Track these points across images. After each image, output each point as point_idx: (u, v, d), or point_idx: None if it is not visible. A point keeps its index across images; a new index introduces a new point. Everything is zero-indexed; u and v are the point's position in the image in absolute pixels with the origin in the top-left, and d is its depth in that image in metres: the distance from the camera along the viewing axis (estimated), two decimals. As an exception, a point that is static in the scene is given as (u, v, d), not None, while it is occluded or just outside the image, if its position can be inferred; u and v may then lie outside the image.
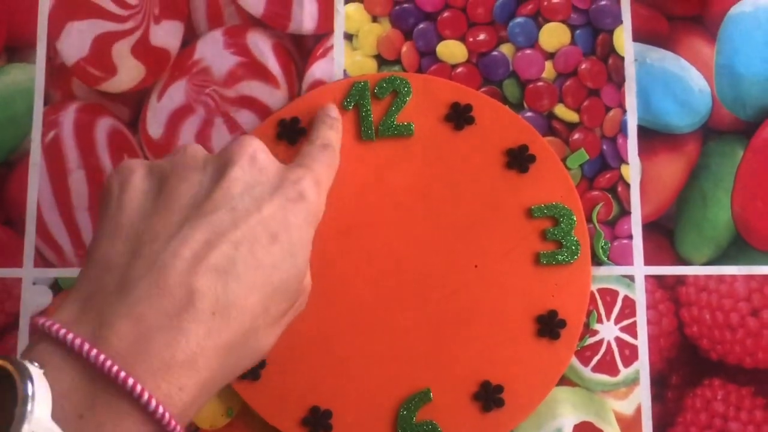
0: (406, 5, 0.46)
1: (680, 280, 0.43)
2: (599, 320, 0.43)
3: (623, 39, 0.45)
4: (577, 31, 0.45)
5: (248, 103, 0.45)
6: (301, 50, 0.46)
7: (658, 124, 0.45)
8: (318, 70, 0.45)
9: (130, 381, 0.27)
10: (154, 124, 0.45)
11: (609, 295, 0.43)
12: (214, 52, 0.46)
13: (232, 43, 0.46)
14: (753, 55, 0.45)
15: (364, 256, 0.43)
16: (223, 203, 0.32)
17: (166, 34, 0.46)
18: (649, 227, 0.44)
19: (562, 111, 0.45)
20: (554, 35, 0.45)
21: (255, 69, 0.45)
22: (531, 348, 0.42)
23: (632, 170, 0.44)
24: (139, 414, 0.27)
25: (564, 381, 0.42)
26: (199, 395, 0.29)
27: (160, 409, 0.27)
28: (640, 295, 0.43)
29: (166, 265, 0.29)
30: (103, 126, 0.46)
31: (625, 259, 0.43)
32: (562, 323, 0.42)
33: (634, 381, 0.43)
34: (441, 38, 0.45)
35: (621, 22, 0.45)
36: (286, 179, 0.34)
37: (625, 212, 0.44)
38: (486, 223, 0.43)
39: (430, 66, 0.45)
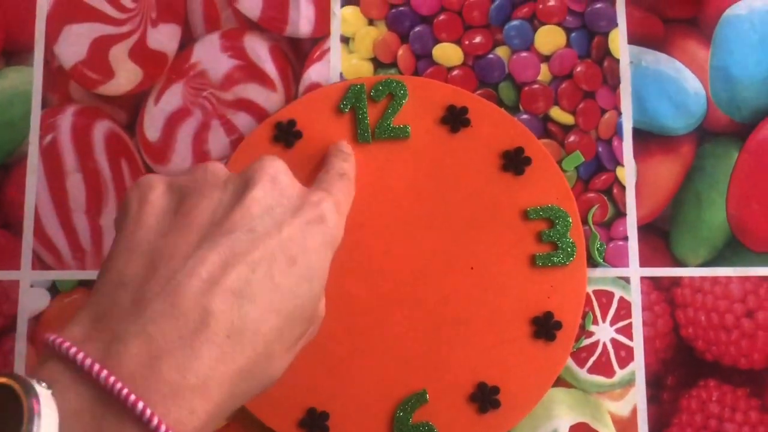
0: (402, 8, 0.46)
1: (675, 281, 0.43)
2: (595, 322, 0.43)
3: (618, 41, 0.45)
4: (573, 34, 0.45)
5: (245, 105, 0.45)
6: (297, 53, 0.46)
7: (653, 126, 0.45)
8: (314, 73, 0.46)
9: (140, 405, 0.26)
10: (152, 127, 0.46)
11: (604, 297, 0.43)
12: (211, 56, 0.46)
13: (229, 47, 0.46)
14: (748, 57, 0.45)
15: (361, 258, 0.43)
16: (242, 224, 0.31)
17: (164, 38, 0.46)
18: (644, 229, 0.44)
19: (557, 113, 0.45)
20: (550, 38, 0.45)
21: (252, 72, 0.46)
22: (527, 349, 0.42)
23: (627, 172, 0.44)
24: None
25: (560, 382, 0.42)
26: (210, 420, 0.28)
27: None
28: (635, 297, 0.43)
29: (181, 284, 0.29)
30: (101, 129, 0.46)
31: (621, 260, 0.44)
32: (558, 325, 0.42)
33: (629, 382, 0.43)
34: (437, 41, 0.46)
35: (616, 24, 0.45)
36: (306, 201, 0.33)
37: (620, 214, 0.44)
38: (482, 225, 0.43)
39: (426, 69, 0.45)
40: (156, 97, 0.46)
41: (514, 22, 0.46)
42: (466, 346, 0.42)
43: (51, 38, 0.47)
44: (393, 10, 0.46)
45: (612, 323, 0.43)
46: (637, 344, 0.43)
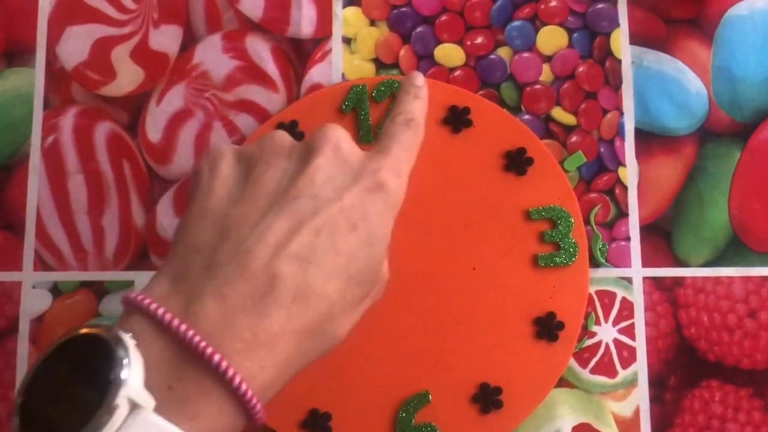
0: (404, 9, 0.46)
1: (678, 281, 0.43)
2: (597, 322, 0.43)
3: (620, 42, 0.45)
4: (575, 34, 0.45)
5: (247, 106, 0.45)
6: (299, 54, 0.46)
7: (655, 126, 0.45)
8: (316, 73, 0.46)
9: (217, 357, 0.28)
10: (153, 128, 0.46)
11: (607, 297, 0.43)
12: (212, 56, 0.46)
13: (231, 47, 0.46)
14: (749, 57, 0.45)
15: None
16: (306, 191, 0.32)
17: (165, 39, 0.46)
18: (646, 229, 0.44)
19: (559, 114, 0.45)
20: (551, 38, 0.45)
21: (254, 73, 0.46)
22: (529, 350, 0.42)
23: (630, 172, 0.44)
24: (223, 390, 0.29)
25: (562, 383, 0.42)
26: (278, 376, 0.30)
27: (243, 386, 0.29)
28: (638, 297, 0.43)
29: (250, 250, 0.31)
30: (103, 130, 0.46)
31: (623, 261, 0.44)
32: (561, 325, 0.42)
33: (632, 382, 0.43)
34: (439, 42, 0.46)
35: (618, 25, 0.45)
36: (366, 168, 0.34)
37: (622, 214, 0.44)
38: (484, 226, 0.43)
39: (428, 69, 0.45)
40: (158, 98, 0.46)
41: (516, 23, 0.46)
42: (468, 347, 0.42)
43: (53, 39, 0.47)
44: (395, 11, 0.46)
45: (614, 323, 0.43)
46: (640, 344, 0.43)
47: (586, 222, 0.44)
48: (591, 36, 0.45)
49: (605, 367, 0.43)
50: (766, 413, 0.42)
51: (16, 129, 0.46)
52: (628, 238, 0.44)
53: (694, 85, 0.45)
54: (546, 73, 0.45)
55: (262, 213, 0.32)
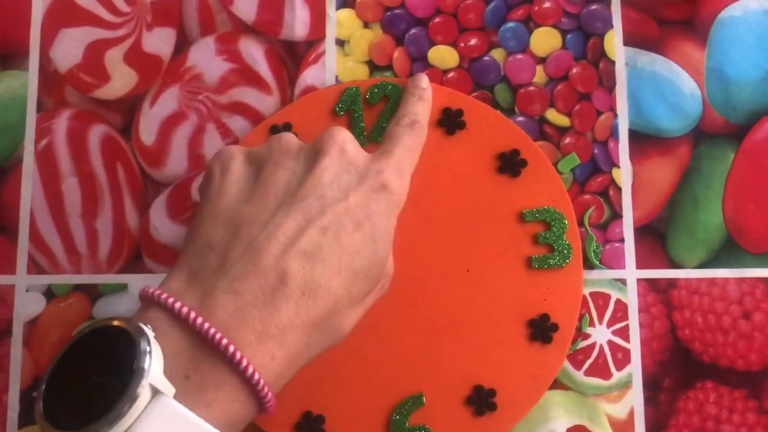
0: (397, 11, 0.46)
1: (672, 283, 0.43)
2: (591, 324, 0.43)
3: (614, 43, 0.45)
4: (568, 36, 0.45)
5: (240, 109, 0.45)
6: (293, 56, 0.46)
7: (649, 127, 0.45)
8: (310, 76, 0.46)
9: (231, 348, 0.30)
10: (147, 130, 0.46)
11: (601, 299, 0.43)
12: (206, 59, 0.46)
13: (225, 50, 0.46)
14: (743, 58, 0.45)
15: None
16: (313, 191, 0.34)
17: (159, 41, 0.46)
18: (640, 231, 0.44)
19: (553, 115, 0.45)
20: (545, 40, 0.45)
21: (247, 75, 0.46)
22: (523, 352, 0.42)
23: (624, 174, 0.44)
24: (237, 379, 0.30)
25: (556, 385, 0.42)
26: (287, 367, 0.32)
27: (256, 376, 0.30)
28: (632, 299, 0.43)
29: (261, 248, 0.32)
30: (96, 133, 0.46)
31: (617, 262, 0.44)
32: (555, 327, 0.42)
33: (626, 384, 0.43)
34: (432, 44, 0.46)
35: (611, 26, 0.45)
36: (370, 169, 0.36)
37: (616, 216, 0.44)
38: (478, 228, 0.43)
39: (422, 71, 0.45)
40: (151, 101, 0.46)
41: (510, 24, 0.46)
42: (462, 349, 0.42)
43: (46, 42, 0.47)
44: (388, 13, 0.46)
45: (608, 325, 0.43)
46: (634, 346, 0.43)
47: (580, 224, 0.44)
48: (585, 37, 0.45)
49: (599, 369, 0.43)
50: (760, 414, 0.42)
51: (10, 132, 0.46)
52: (622, 240, 0.44)
53: (687, 86, 0.45)
54: (540, 75, 0.45)
55: (272, 212, 0.34)
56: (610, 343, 0.43)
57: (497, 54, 0.45)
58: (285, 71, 0.46)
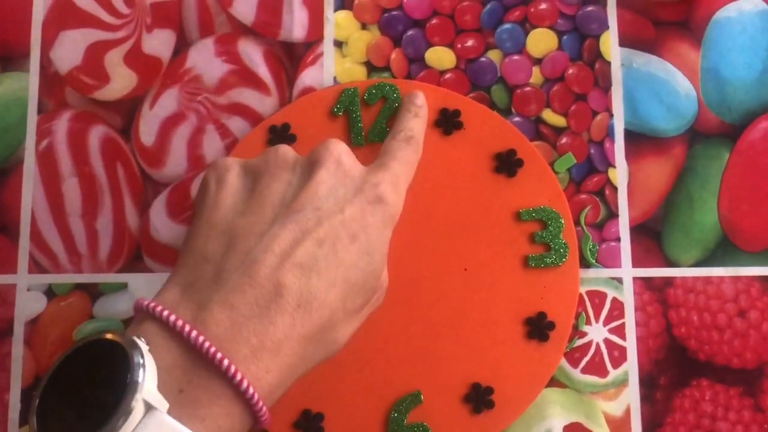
0: (394, 12, 0.46)
1: (668, 281, 0.44)
2: (588, 322, 0.43)
3: (610, 44, 0.46)
4: (564, 37, 0.46)
5: (239, 110, 0.46)
6: (291, 57, 0.46)
7: (644, 127, 0.45)
8: (308, 77, 0.46)
9: (226, 362, 0.30)
10: (147, 131, 0.46)
11: (597, 297, 0.44)
12: (205, 60, 0.46)
13: (224, 51, 0.46)
14: (738, 59, 0.45)
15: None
16: (309, 203, 0.34)
17: (158, 43, 0.47)
18: (636, 230, 0.44)
19: (549, 116, 0.45)
20: (541, 41, 0.46)
21: (246, 76, 0.46)
22: (520, 350, 0.42)
23: (619, 173, 0.45)
24: (232, 392, 0.30)
25: (553, 382, 0.43)
26: (282, 380, 0.32)
27: (251, 390, 0.30)
28: (628, 297, 0.44)
29: (257, 260, 0.32)
30: (96, 134, 0.46)
31: (613, 261, 0.44)
32: (551, 325, 0.42)
33: (623, 382, 0.43)
34: (429, 45, 0.46)
35: (607, 27, 0.46)
36: (366, 182, 0.36)
37: (612, 215, 0.44)
38: (475, 227, 0.43)
39: (419, 72, 0.46)
40: (151, 102, 0.46)
41: (506, 26, 0.46)
42: (459, 347, 0.42)
43: (47, 44, 0.47)
44: (386, 15, 0.46)
45: (605, 323, 0.43)
46: (630, 344, 0.43)
47: (577, 223, 0.44)
48: (580, 38, 0.46)
49: (596, 367, 0.43)
50: (756, 412, 0.43)
51: (11, 133, 0.46)
52: (618, 239, 0.44)
53: (683, 86, 0.45)
54: (536, 76, 0.45)
55: (268, 224, 0.33)
56: (607, 341, 0.43)
57: (494, 55, 0.46)
58: (283, 72, 0.46)
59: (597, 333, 0.43)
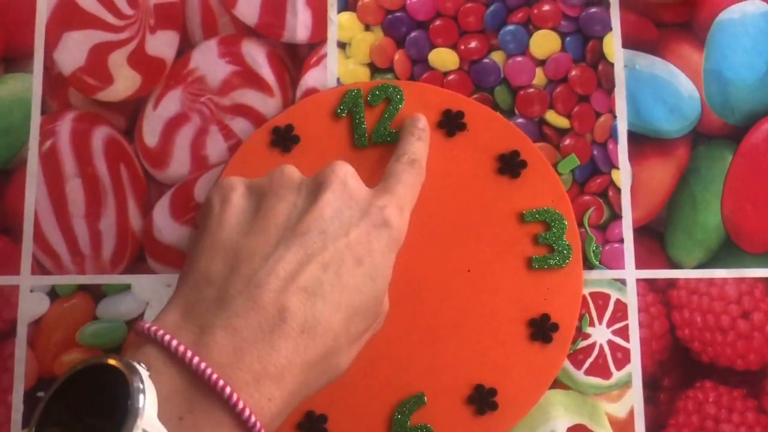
0: (398, 14, 0.46)
1: (671, 283, 0.44)
2: (591, 324, 0.43)
3: (613, 45, 0.46)
4: (567, 39, 0.46)
5: (243, 111, 0.46)
6: (294, 59, 0.46)
7: (647, 129, 0.45)
8: (311, 78, 0.46)
9: (228, 389, 0.29)
10: (150, 132, 0.46)
11: (601, 299, 0.44)
12: (208, 61, 0.46)
13: (227, 52, 0.46)
14: (741, 60, 0.45)
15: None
16: (314, 226, 0.33)
17: (162, 44, 0.47)
18: (640, 231, 0.44)
19: (552, 117, 0.45)
20: (545, 42, 0.46)
21: (249, 77, 0.46)
22: (524, 351, 0.42)
23: (623, 175, 0.45)
24: (233, 421, 0.29)
25: (557, 384, 0.43)
26: (285, 407, 0.31)
27: (252, 418, 0.29)
28: (631, 299, 0.44)
29: (261, 283, 0.31)
30: (100, 135, 0.46)
31: (617, 262, 0.44)
32: (555, 327, 0.42)
33: (626, 384, 0.43)
34: (433, 46, 0.46)
35: (610, 29, 0.46)
36: (372, 205, 0.35)
37: (616, 216, 0.44)
38: (478, 228, 0.43)
39: (423, 73, 0.46)
40: (154, 103, 0.46)
41: (509, 27, 0.46)
42: (463, 349, 0.42)
43: (50, 45, 0.47)
44: (389, 16, 0.46)
45: (608, 325, 0.43)
46: (634, 346, 0.43)
47: (580, 224, 0.44)
48: (584, 40, 0.46)
49: (599, 369, 0.43)
50: (759, 414, 0.43)
51: (14, 134, 0.46)
52: (621, 240, 0.44)
53: (686, 88, 0.45)
54: (539, 77, 0.46)
55: (273, 246, 0.33)
56: (610, 342, 0.43)
57: (497, 56, 0.46)
58: (287, 73, 0.46)
59: (600, 334, 0.43)
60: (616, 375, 0.43)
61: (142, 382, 0.28)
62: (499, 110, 0.45)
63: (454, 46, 0.46)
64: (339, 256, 0.33)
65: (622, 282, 0.44)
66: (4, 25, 0.47)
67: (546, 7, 0.46)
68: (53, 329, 0.44)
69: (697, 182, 0.44)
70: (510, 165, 0.44)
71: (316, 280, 0.32)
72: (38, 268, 0.45)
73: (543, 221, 0.43)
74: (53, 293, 0.45)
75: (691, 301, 0.43)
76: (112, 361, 0.28)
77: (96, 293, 0.45)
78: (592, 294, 0.44)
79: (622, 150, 0.45)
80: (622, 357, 0.43)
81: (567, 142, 0.45)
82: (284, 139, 0.44)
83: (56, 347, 0.44)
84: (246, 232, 0.34)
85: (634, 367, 0.43)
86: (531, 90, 0.45)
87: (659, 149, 0.45)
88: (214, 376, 0.29)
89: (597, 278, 0.44)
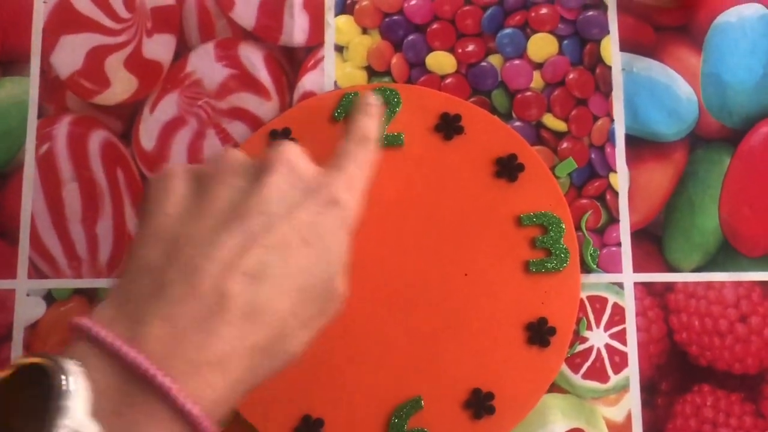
0: (395, 17, 0.46)
1: (669, 287, 0.44)
2: (589, 327, 0.43)
3: (610, 49, 0.46)
4: (565, 42, 0.46)
5: (240, 114, 0.46)
6: (292, 62, 0.46)
7: (645, 132, 0.45)
8: (309, 81, 0.46)
9: (164, 380, 0.28)
10: (147, 136, 0.46)
11: (598, 303, 0.43)
12: (206, 65, 0.46)
13: (224, 56, 0.46)
14: (738, 63, 0.45)
15: (355, 265, 0.43)
16: (258, 209, 0.32)
17: (159, 47, 0.47)
18: (637, 235, 0.44)
19: (550, 120, 0.45)
20: (542, 46, 0.46)
21: (246, 81, 0.46)
22: (521, 355, 0.42)
23: (620, 178, 0.45)
24: (172, 412, 0.28)
25: (554, 388, 0.43)
26: (231, 394, 0.30)
27: (188, 407, 0.28)
28: (629, 302, 0.43)
29: (199, 268, 0.30)
30: (97, 138, 0.46)
31: (614, 266, 0.44)
32: (552, 330, 0.42)
33: (624, 387, 0.43)
34: (430, 49, 0.46)
35: (608, 32, 0.46)
36: (320, 184, 0.34)
37: (613, 220, 0.44)
38: (476, 232, 0.43)
39: (420, 77, 0.46)
40: (151, 107, 0.46)
41: (507, 30, 0.46)
42: (460, 353, 0.42)
43: (47, 49, 0.47)
44: (387, 19, 0.46)
45: (606, 329, 0.43)
46: (631, 349, 0.43)
47: (578, 228, 0.44)
48: (581, 43, 0.46)
49: (597, 372, 0.43)
50: (757, 418, 0.42)
51: (11, 137, 0.46)
52: (619, 244, 0.44)
53: (684, 91, 0.45)
54: (537, 80, 0.45)
55: (213, 230, 0.31)
56: (608, 346, 0.43)
57: (494, 60, 0.46)
58: (284, 77, 0.46)
59: (598, 338, 0.43)
60: (614, 379, 0.43)
61: (68, 379, 0.27)
62: (497, 113, 0.45)
63: (451, 50, 0.46)
64: (284, 237, 0.32)
65: (620, 285, 0.44)
66: (0, 29, 0.47)
67: (543, 11, 0.46)
68: (50, 333, 0.44)
69: (694, 185, 0.44)
70: (507, 168, 0.44)
71: (259, 264, 0.31)
72: (35, 272, 0.45)
73: (540, 225, 0.43)
74: (50, 297, 0.45)
75: (689, 305, 0.43)
76: (39, 360, 0.27)
77: (92, 297, 0.45)
78: (589, 297, 0.43)
79: (619, 153, 0.45)
80: (619, 361, 0.43)
81: (564, 145, 0.45)
82: (281, 143, 0.44)
83: (52, 351, 0.44)
84: (186, 218, 0.32)
85: (632, 371, 0.43)
86: (528, 93, 0.45)
87: (657, 152, 0.45)
88: (150, 368, 0.28)
89: (594, 282, 0.44)
